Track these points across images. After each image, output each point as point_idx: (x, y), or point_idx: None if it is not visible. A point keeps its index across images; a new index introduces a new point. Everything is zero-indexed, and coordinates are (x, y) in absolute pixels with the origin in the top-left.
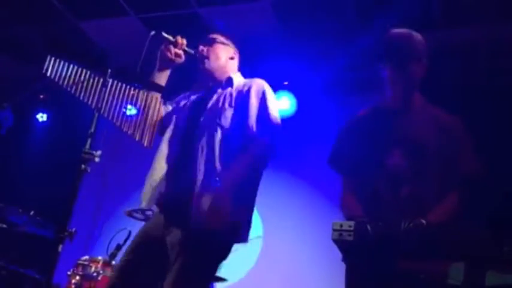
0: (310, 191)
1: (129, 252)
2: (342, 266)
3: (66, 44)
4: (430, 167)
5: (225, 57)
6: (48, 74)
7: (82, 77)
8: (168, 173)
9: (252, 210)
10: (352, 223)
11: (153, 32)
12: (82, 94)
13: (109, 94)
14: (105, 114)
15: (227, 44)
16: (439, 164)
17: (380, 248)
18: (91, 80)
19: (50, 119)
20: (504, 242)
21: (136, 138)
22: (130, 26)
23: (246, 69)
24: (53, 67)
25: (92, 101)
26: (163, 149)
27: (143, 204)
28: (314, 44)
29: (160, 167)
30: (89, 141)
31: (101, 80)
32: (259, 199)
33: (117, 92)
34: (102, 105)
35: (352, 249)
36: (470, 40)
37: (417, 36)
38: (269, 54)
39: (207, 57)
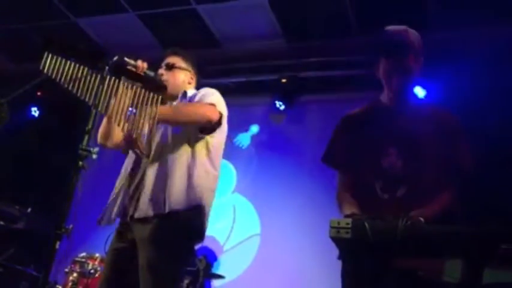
0: (308, 188)
1: (108, 266)
2: (340, 264)
3: (63, 41)
4: (426, 166)
5: (183, 82)
6: (45, 70)
7: (79, 74)
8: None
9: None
10: (349, 220)
11: (116, 57)
12: (79, 91)
13: (106, 91)
14: (103, 111)
15: (186, 69)
16: (435, 162)
17: (377, 246)
18: (88, 77)
19: (46, 116)
20: (501, 240)
21: (134, 136)
22: (129, 23)
23: (243, 67)
24: (50, 64)
25: (90, 98)
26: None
27: None
28: (312, 41)
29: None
30: (86, 137)
31: (99, 76)
32: (256, 196)
33: (114, 88)
34: (99, 101)
35: (349, 247)
36: (466, 42)
37: (414, 32)
38: (267, 52)
39: (166, 82)
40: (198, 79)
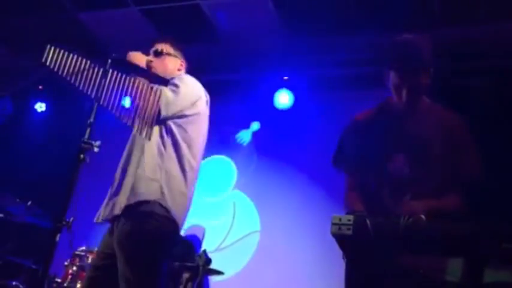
0: (309, 185)
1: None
2: (341, 261)
3: (65, 35)
4: (432, 172)
5: (173, 69)
6: (48, 63)
7: (82, 67)
8: None
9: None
10: (351, 217)
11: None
12: (81, 84)
13: (108, 84)
14: (104, 105)
15: (175, 56)
16: (442, 168)
17: (379, 243)
18: (91, 70)
19: (49, 109)
20: (502, 239)
21: (135, 130)
22: (130, 17)
23: (245, 62)
24: (53, 56)
25: (92, 91)
26: None
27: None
28: (314, 38)
29: None
30: (88, 131)
31: (101, 70)
32: (256, 193)
33: (117, 82)
34: (101, 95)
35: (350, 244)
36: (468, 38)
37: (424, 42)
38: (269, 48)
39: (155, 69)
40: (187, 67)
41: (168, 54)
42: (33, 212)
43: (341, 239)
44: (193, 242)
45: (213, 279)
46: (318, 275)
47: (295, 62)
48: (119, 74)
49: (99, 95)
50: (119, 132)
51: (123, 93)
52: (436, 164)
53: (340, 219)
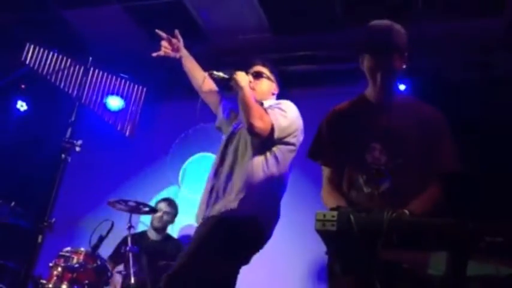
0: (296, 182)
1: None
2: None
3: (47, 33)
4: (410, 161)
5: (268, 91)
6: (27, 61)
7: (62, 65)
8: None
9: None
10: (335, 213)
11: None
12: (62, 83)
13: (90, 83)
14: (86, 103)
15: (272, 81)
16: (419, 158)
17: (363, 238)
18: (71, 68)
19: (31, 108)
20: (486, 232)
21: (118, 128)
22: (113, 15)
23: (230, 61)
24: (32, 55)
25: (73, 90)
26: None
27: None
28: (300, 36)
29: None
30: (69, 130)
31: (82, 68)
32: None
33: (98, 80)
34: (82, 94)
35: (335, 239)
36: (451, 34)
37: (399, 28)
38: (254, 45)
39: (253, 89)
40: (279, 92)
41: (267, 78)
42: (17, 213)
43: (325, 235)
44: (185, 241)
45: None
46: (306, 272)
47: (281, 58)
48: (101, 72)
49: (80, 93)
50: (104, 131)
51: (105, 91)
52: (413, 154)
53: (324, 216)
